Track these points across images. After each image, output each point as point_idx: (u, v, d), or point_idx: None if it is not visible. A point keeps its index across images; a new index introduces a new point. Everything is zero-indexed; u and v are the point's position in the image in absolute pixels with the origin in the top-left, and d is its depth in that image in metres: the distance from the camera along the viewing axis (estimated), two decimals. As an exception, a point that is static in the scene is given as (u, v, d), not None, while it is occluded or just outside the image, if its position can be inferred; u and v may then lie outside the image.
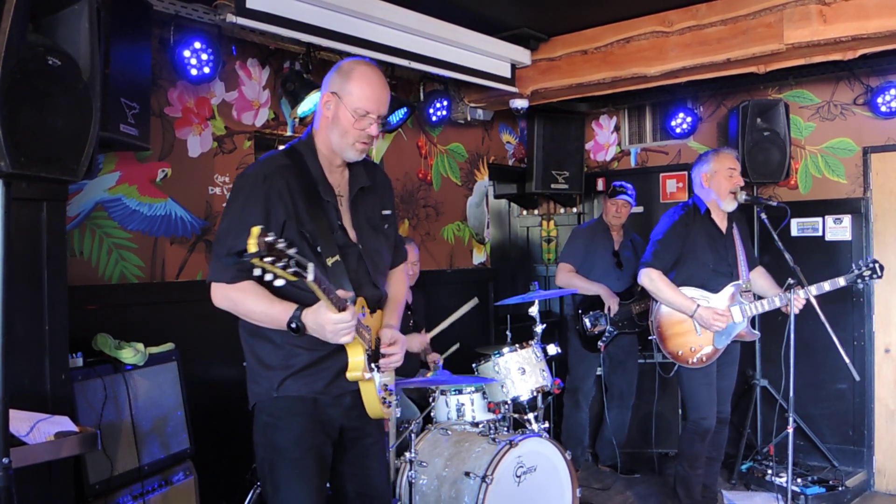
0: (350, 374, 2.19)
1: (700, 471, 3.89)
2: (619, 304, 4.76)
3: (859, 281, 3.67)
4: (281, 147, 2.33)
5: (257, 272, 1.76)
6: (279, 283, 1.79)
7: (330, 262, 2.15)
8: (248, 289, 2.11)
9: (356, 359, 2.19)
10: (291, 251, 1.77)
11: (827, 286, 3.60)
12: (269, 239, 1.73)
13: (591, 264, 4.91)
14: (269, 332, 2.19)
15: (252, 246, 1.71)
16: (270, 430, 2.20)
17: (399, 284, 2.54)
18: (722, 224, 3.87)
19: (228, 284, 2.12)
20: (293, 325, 2.06)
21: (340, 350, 2.19)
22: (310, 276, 1.83)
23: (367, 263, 2.30)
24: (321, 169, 2.25)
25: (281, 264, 1.75)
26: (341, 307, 2.00)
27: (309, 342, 2.15)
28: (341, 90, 2.20)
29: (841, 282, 3.65)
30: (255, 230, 1.73)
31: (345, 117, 2.19)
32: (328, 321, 2.00)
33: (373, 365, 2.25)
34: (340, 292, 2.03)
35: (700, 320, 3.69)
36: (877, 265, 3.65)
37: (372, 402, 2.26)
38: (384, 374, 2.33)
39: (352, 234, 2.28)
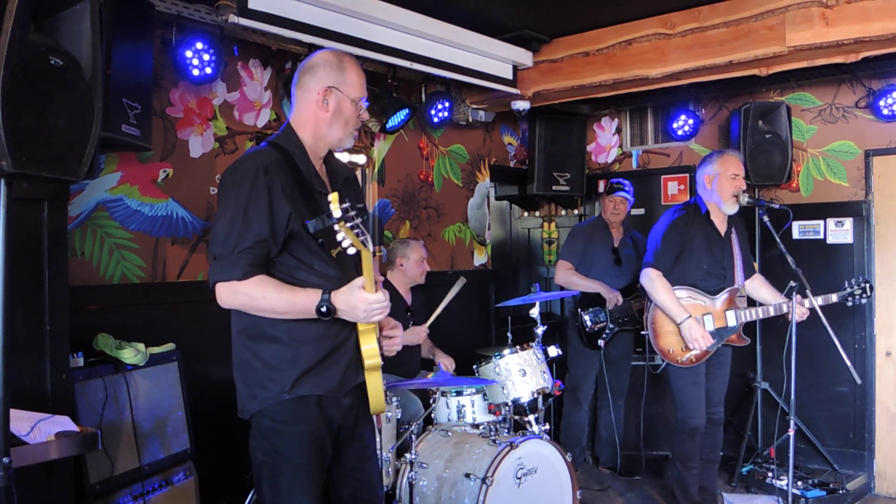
0: (370, 362, 2.19)
1: (695, 470, 3.89)
2: (620, 296, 4.74)
3: (850, 300, 3.68)
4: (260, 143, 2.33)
5: (340, 236, 1.89)
6: (352, 250, 1.92)
7: (334, 253, 2.16)
8: (265, 282, 2.08)
9: (370, 346, 2.19)
10: (358, 220, 1.89)
11: (819, 301, 3.60)
12: (346, 205, 1.86)
13: (591, 262, 4.91)
14: (276, 332, 2.15)
15: (336, 210, 1.84)
16: (274, 434, 2.16)
17: None
18: (721, 227, 3.87)
19: (240, 281, 2.06)
20: (323, 309, 2.05)
21: (344, 343, 2.20)
22: (370, 247, 1.96)
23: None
24: (311, 163, 2.26)
25: (356, 231, 1.88)
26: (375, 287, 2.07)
27: (317, 337, 2.16)
28: (339, 83, 2.25)
29: (833, 298, 3.67)
30: (335, 196, 1.85)
31: (347, 108, 2.26)
32: (363, 300, 2.04)
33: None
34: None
35: (685, 331, 3.71)
36: (867, 285, 3.67)
37: (378, 394, 2.24)
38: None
39: None
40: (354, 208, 1.89)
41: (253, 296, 2.08)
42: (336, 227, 1.86)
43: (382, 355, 2.28)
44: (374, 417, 2.53)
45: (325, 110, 2.24)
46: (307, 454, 2.16)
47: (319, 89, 2.23)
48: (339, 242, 1.99)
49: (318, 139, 2.28)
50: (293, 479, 2.14)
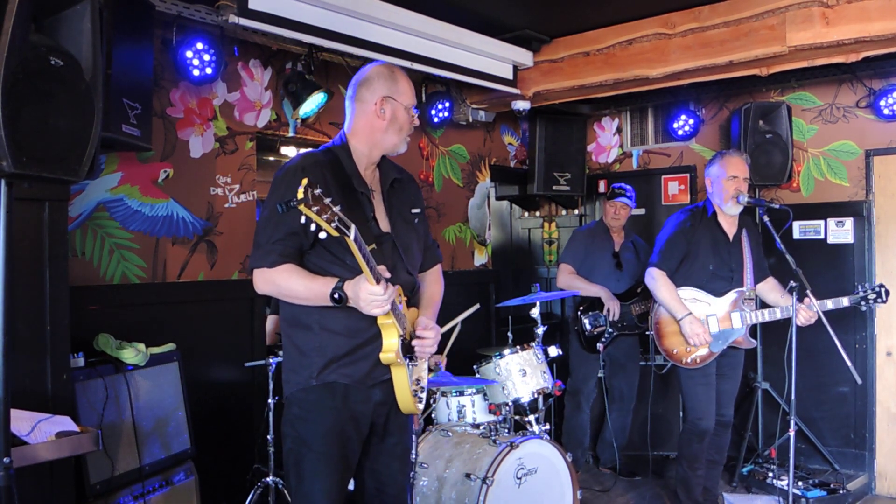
0: (383, 356, 2.27)
1: (700, 472, 3.89)
2: (619, 306, 4.75)
3: (863, 303, 3.67)
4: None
5: (303, 220, 1.89)
6: (322, 235, 1.92)
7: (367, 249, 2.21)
8: (290, 270, 2.24)
9: (390, 341, 2.27)
10: (336, 208, 1.92)
11: (830, 304, 3.60)
12: (317, 191, 1.87)
13: (591, 265, 4.91)
14: (308, 319, 2.30)
15: (300, 193, 1.85)
16: (300, 422, 2.29)
17: (435, 285, 2.64)
18: (730, 229, 3.87)
19: (270, 269, 2.23)
20: (336, 295, 2.16)
21: (377, 338, 2.28)
22: (351, 235, 1.97)
23: (402, 252, 2.42)
24: (355, 166, 2.39)
25: (325, 216, 1.89)
26: (378, 280, 2.11)
27: (346, 328, 2.28)
28: (394, 92, 2.40)
29: (844, 301, 3.67)
30: (304, 181, 1.87)
31: (402, 115, 2.41)
32: (363, 290, 2.12)
33: (408, 356, 2.35)
34: (381, 268, 2.15)
35: (684, 327, 3.71)
36: (883, 290, 3.66)
37: (403, 392, 2.34)
38: (417, 368, 2.42)
39: (384, 225, 2.41)
40: (329, 196, 1.92)
41: (278, 282, 2.25)
42: (301, 209, 1.89)
43: (412, 356, 2.37)
44: (412, 418, 2.59)
45: (382, 119, 2.39)
46: (328, 443, 2.26)
47: (376, 100, 2.38)
48: (308, 227, 1.97)
49: (373, 146, 2.42)
50: (315, 466, 2.25)
